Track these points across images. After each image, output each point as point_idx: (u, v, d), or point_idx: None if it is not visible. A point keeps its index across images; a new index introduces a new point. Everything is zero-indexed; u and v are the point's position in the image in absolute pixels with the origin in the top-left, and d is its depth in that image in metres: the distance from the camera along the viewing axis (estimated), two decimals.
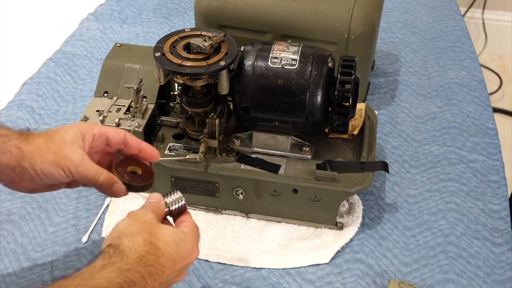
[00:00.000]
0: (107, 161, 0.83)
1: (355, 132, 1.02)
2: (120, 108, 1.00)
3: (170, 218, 0.78)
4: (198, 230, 0.76)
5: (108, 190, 0.77)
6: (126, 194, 0.78)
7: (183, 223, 0.76)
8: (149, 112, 1.00)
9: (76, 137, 0.76)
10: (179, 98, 0.99)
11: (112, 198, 1.02)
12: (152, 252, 0.67)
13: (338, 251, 0.96)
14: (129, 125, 0.97)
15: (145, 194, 1.03)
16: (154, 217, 0.71)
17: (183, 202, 0.76)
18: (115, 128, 0.81)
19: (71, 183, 0.81)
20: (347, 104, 0.92)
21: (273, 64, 0.93)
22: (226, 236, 0.98)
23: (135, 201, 1.02)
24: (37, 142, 0.75)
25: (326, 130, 1.01)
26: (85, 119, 0.99)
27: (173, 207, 0.76)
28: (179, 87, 0.98)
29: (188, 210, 0.78)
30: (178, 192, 0.77)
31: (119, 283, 0.63)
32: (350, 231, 0.98)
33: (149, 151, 0.82)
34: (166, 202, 0.76)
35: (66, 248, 0.96)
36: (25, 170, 0.74)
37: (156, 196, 0.76)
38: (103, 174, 0.75)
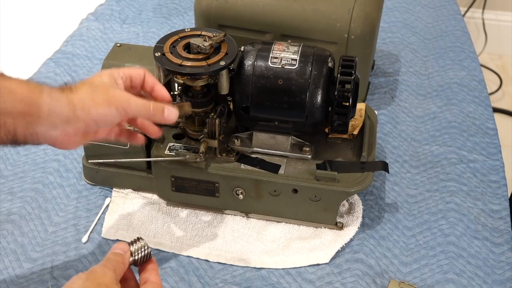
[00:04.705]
0: None
1: (355, 132, 1.02)
2: None
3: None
4: None
5: (161, 118, 0.81)
6: (177, 118, 0.82)
7: (147, 281, 0.71)
8: None
9: (113, 81, 0.79)
10: (179, 98, 0.99)
11: (112, 198, 1.02)
12: None
13: (338, 251, 0.96)
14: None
15: (145, 197, 1.03)
16: (113, 278, 0.67)
17: (148, 250, 0.73)
18: (135, 68, 0.84)
19: (113, 129, 0.86)
20: (347, 104, 0.92)
21: (273, 64, 0.93)
22: (226, 236, 0.98)
23: (135, 201, 1.02)
24: (82, 89, 0.75)
25: (326, 130, 1.01)
26: None
27: (137, 256, 0.72)
28: (179, 87, 0.98)
29: (154, 259, 0.73)
30: (143, 239, 0.73)
31: None
32: (350, 231, 0.98)
33: (160, 93, 0.84)
34: (131, 251, 0.72)
35: (66, 248, 0.96)
36: (80, 119, 0.74)
37: (122, 247, 0.71)
38: (151, 103, 0.79)
